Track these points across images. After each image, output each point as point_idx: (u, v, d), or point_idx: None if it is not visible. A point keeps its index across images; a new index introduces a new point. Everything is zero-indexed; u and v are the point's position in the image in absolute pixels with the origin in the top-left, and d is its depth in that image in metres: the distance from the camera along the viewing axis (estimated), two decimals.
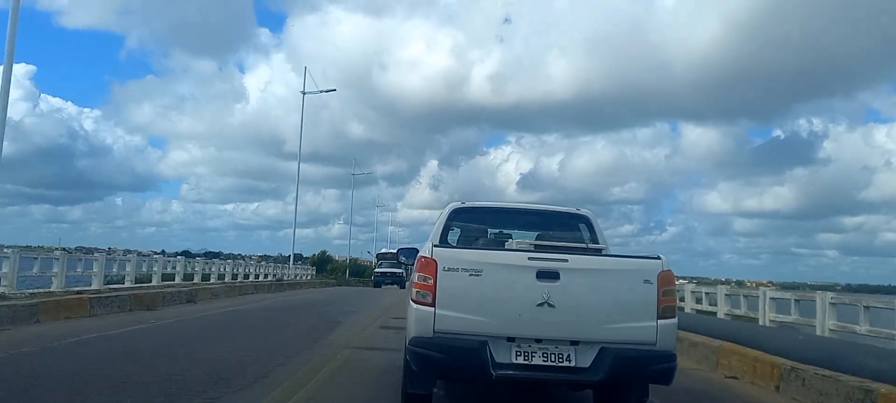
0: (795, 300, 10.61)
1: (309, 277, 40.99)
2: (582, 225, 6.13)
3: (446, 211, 6.17)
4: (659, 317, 4.50)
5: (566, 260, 4.52)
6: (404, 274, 38.03)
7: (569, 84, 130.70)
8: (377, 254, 52.33)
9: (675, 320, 4.62)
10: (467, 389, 6.24)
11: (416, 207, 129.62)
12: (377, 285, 41.16)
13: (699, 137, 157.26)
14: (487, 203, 6.58)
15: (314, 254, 67.95)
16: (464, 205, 6.27)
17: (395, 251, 46.66)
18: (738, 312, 12.54)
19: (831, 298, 9.67)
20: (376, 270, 45.77)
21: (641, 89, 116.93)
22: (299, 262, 52.94)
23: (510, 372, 4.46)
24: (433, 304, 4.49)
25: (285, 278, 32.99)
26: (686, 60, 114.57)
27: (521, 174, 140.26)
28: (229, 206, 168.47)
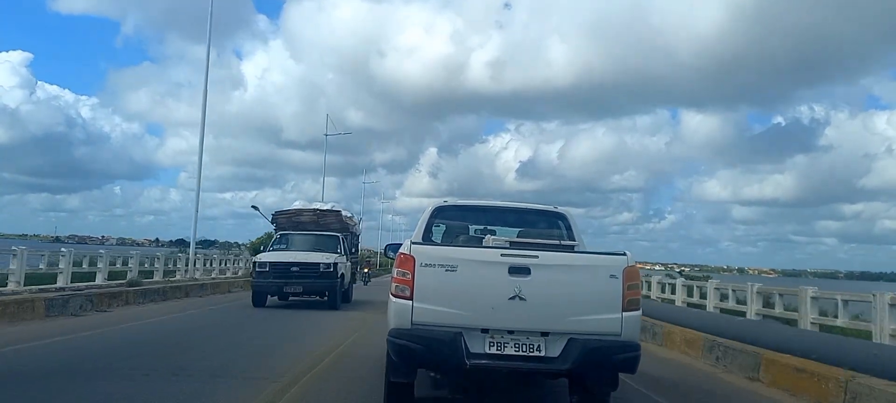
0: (844, 301, 9.41)
1: (238, 272, 26.52)
2: (560, 223, 6.38)
3: (429, 209, 6.44)
4: (624, 310, 4.76)
5: (536, 257, 4.77)
6: (344, 270, 17.22)
7: (569, 70, 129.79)
8: (275, 214, 20.50)
9: (639, 312, 4.87)
10: (457, 382, 6.28)
11: (416, 195, 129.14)
12: (261, 299, 16.13)
13: (699, 124, 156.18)
14: (469, 201, 6.84)
15: (251, 241, 47.92)
16: (446, 204, 6.53)
17: (327, 207, 21.50)
18: (773, 312, 11.35)
19: (890, 298, 8.47)
20: (258, 258, 17.10)
21: (642, 75, 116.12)
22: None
23: (484, 362, 4.71)
24: (411, 298, 4.74)
25: (178, 277, 20.30)
26: (687, 46, 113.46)
27: (520, 162, 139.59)
28: (227, 195, 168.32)
